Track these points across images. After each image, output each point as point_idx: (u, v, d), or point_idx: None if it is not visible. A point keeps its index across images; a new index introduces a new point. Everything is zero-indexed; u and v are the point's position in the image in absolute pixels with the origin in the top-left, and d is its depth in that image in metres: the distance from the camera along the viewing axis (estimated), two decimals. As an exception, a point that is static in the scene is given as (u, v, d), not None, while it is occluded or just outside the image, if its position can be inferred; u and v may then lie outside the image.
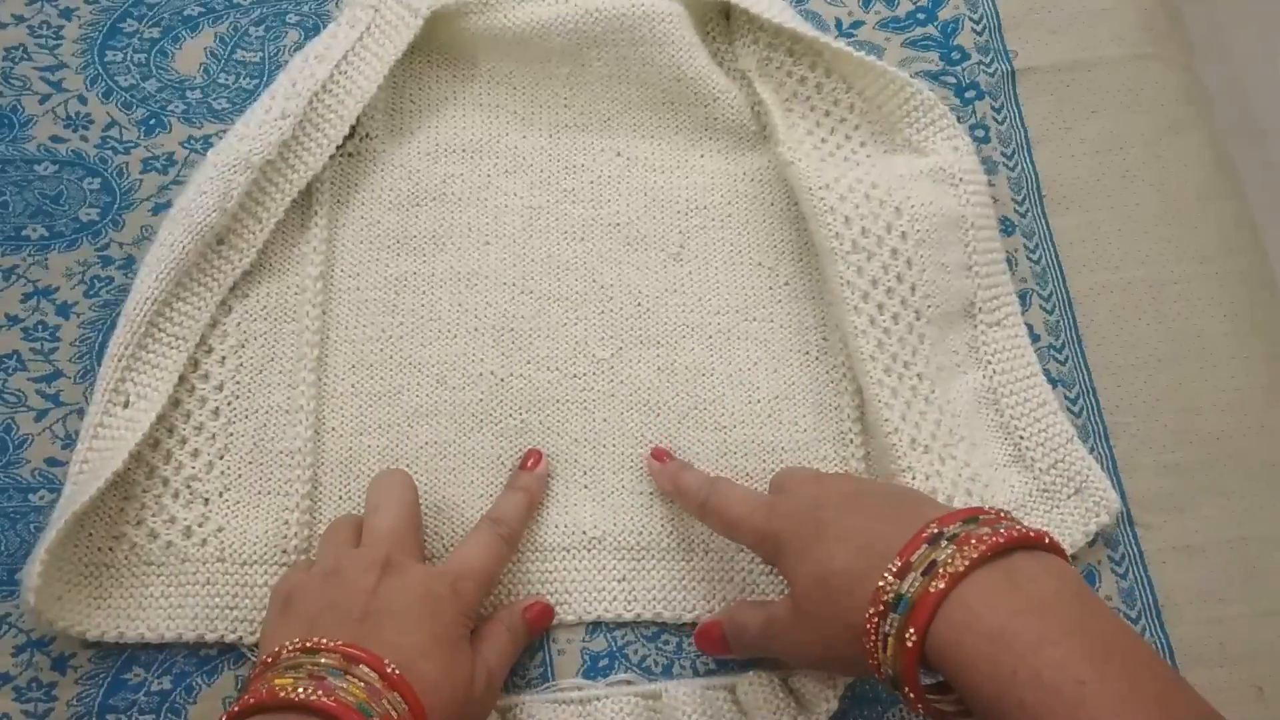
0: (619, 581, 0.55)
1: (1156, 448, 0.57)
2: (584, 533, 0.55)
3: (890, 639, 0.40)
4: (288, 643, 0.44)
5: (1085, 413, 0.57)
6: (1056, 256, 0.60)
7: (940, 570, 0.39)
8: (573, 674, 0.53)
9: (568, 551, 0.55)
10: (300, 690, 0.41)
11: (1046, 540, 0.41)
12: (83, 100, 0.63)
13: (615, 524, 0.56)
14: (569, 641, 0.54)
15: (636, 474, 0.56)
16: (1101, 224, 0.61)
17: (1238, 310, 0.59)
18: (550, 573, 0.55)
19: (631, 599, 0.54)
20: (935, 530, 0.41)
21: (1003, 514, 0.42)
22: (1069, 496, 0.55)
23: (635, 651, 0.54)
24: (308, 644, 0.44)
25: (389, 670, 0.43)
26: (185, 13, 0.65)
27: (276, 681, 0.42)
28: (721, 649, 0.51)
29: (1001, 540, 0.40)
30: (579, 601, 0.54)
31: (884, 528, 0.43)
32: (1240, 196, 0.63)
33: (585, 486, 0.56)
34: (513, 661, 0.52)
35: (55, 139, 0.62)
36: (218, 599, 0.53)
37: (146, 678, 0.53)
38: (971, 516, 0.42)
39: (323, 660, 0.43)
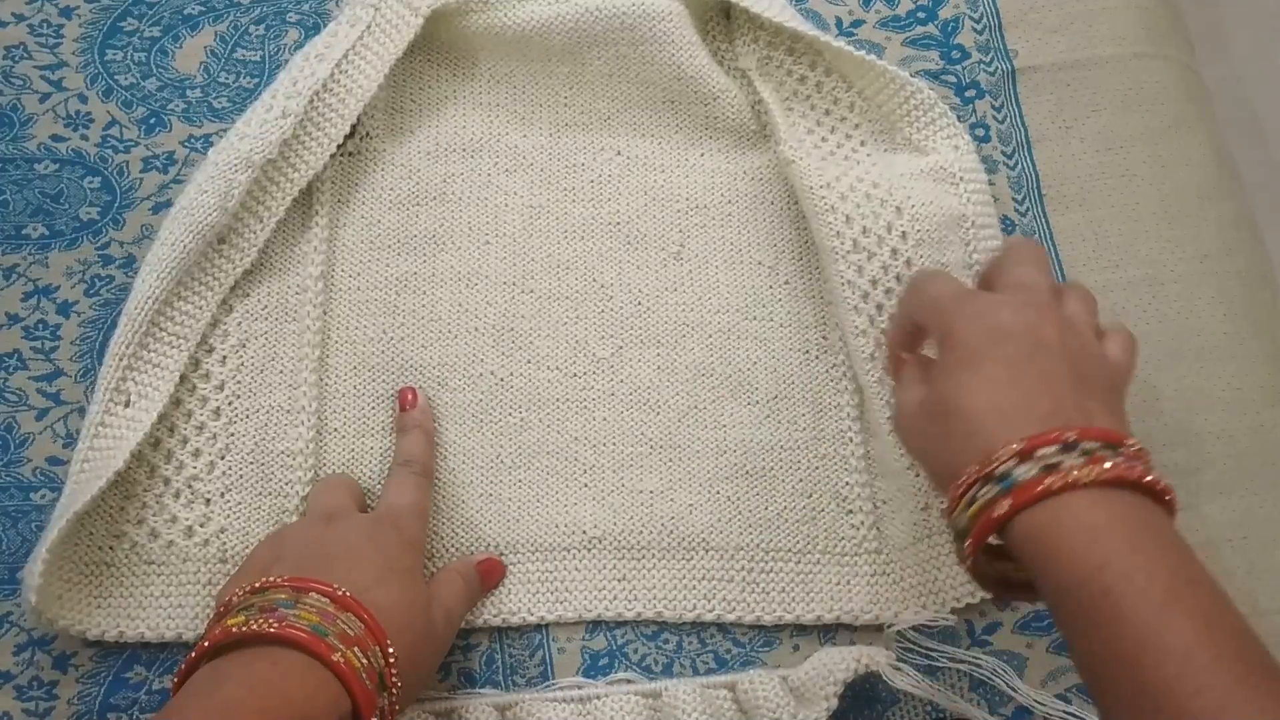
0: (619, 581, 0.55)
1: (1156, 446, 0.56)
2: (584, 532, 0.55)
3: (978, 501, 0.40)
4: (238, 589, 0.45)
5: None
6: (1057, 255, 0.60)
7: (1061, 472, 0.39)
8: (572, 673, 0.53)
9: (568, 551, 0.55)
10: (252, 624, 0.42)
11: (1168, 497, 0.40)
12: (83, 99, 0.63)
13: (615, 523, 0.56)
14: (569, 640, 0.54)
15: (637, 473, 0.56)
16: (1101, 223, 0.61)
17: (1237, 309, 0.59)
18: (550, 572, 0.55)
19: (631, 598, 0.54)
20: (1074, 437, 0.40)
21: (1144, 453, 0.41)
22: None
23: (635, 650, 0.54)
24: (256, 585, 0.44)
25: (340, 593, 0.44)
26: (185, 11, 0.65)
27: (228, 621, 0.43)
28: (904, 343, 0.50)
29: (1130, 477, 0.39)
30: (579, 600, 0.54)
31: (1042, 402, 0.41)
32: (1240, 195, 0.63)
33: (585, 485, 0.56)
34: (469, 606, 0.53)
35: (56, 138, 0.62)
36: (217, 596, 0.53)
37: (148, 677, 0.53)
38: (1114, 442, 0.40)
39: (272, 595, 0.43)
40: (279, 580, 0.45)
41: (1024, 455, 0.40)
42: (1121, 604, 0.36)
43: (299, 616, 0.42)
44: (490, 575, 0.54)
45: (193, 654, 0.43)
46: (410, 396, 0.56)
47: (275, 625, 0.42)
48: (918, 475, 0.55)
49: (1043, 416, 0.41)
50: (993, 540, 0.41)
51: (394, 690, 0.44)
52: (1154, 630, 0.36)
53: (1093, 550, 0.38)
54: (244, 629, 0.42)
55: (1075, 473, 0.39)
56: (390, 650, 0.44)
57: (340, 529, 0.49)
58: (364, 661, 0.42)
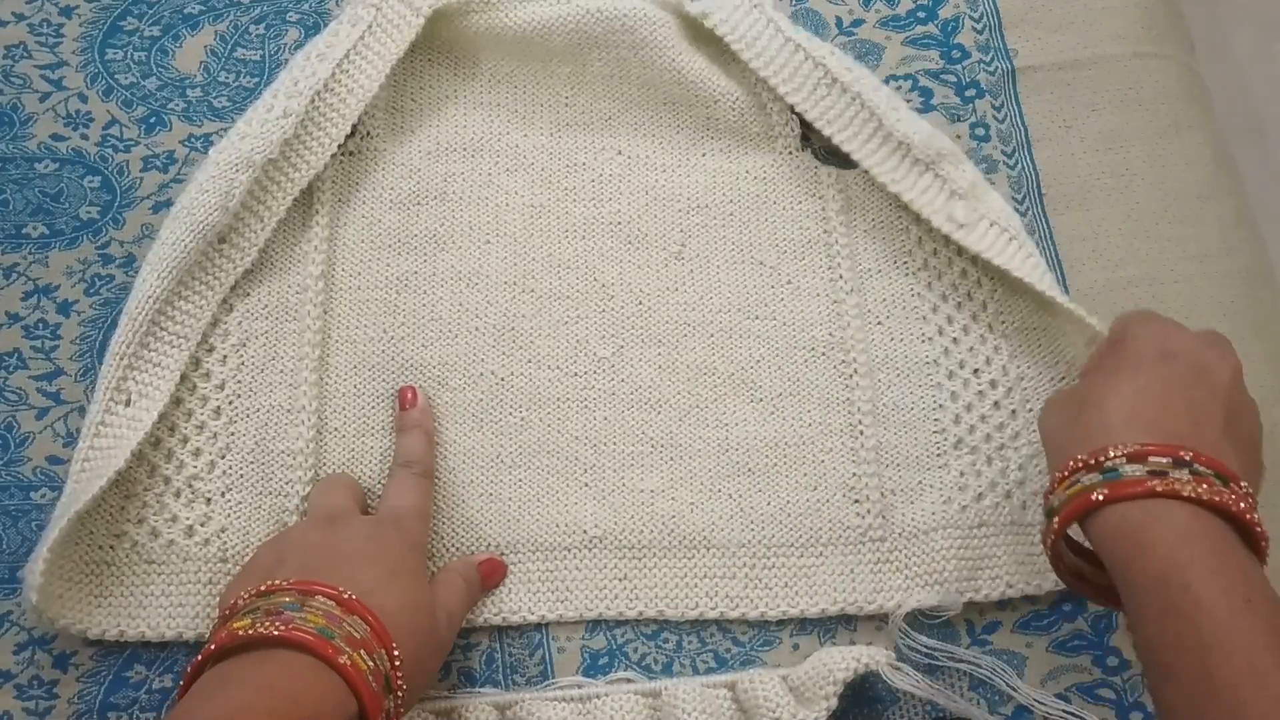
0: (619, 580, 0.55)
1: (1156, 446, 0.57)
2: (584, 531, 0.55)
3: (1078, 486, 0.42)
4: (243, 592, 0.45)
5: (1085, 411, 0.57)
6: (1057, 255, 0.60)
7: (1167, 480, 0.41)
8: (572, 672, 0.53)
9: (568, 550, 0.55)
10: (259, 627, 0.42)
11: (1262, 543, 0.42)
12: (83, 98, 0.63)
13: (616, 522, 0.56)
14: (569, 639, 0.54)
15: (637, 472, 0.57)
16: (1102, 222, 0.61)
17: (1238, 309, 0.59)
18: (551, 571, 0.55)
19: (632, 597, 0.54)
20: (1189, 457, 0.42)
21: (1251, 496, 0.43)
22: None
23: (635, 649, 0.54)
24: (261, 588, 0.45)
25: (345, 596, 0.44)
26: (186, 11, 0.65)
27: (234, 624, 0.43)
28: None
29: (1232, 510, 0.41)
30: (579, 599, 0.54)
31: (1174, 421, 0.43)
32: (1240, 195, 0.63)
33: (586, 485, 0.56)
34: (469, 607, 0.53)
35: (56, 137, 0.62)
36: (219, 598, 0.53)
37: (148, 676, 0.53)
38: (1226, 479, 0.42)
39: (277, 598, 0.43)
40: (284, 583, 0.45)
41: (1135, 457, 0.42)
42: (1201, 600, 0.38)
43: (305, 619, 0.42)
44: (491, 575, 0.54)
45: (199, 657, 0.43)
46: (410, 396, 0.56)
47: (282, 628, 0.42)
48: (949, 473, 0.56)
49: (1173, 435, 0.43)
50: (1083, 542, 0.44)
51: (399, 693, 0.44)
52: (1227, 629, 0.38)
53: (1181, 551, 0.40)
54: (250, 632, 0.42)
55: (1182, 486, 0.41)
56: (396, 653, 0.44)
57: (343, 532, 0.49)
58: (370, 664, 0.42)
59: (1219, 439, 0.44)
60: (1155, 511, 0.41)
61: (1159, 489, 0.41)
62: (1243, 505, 0.41)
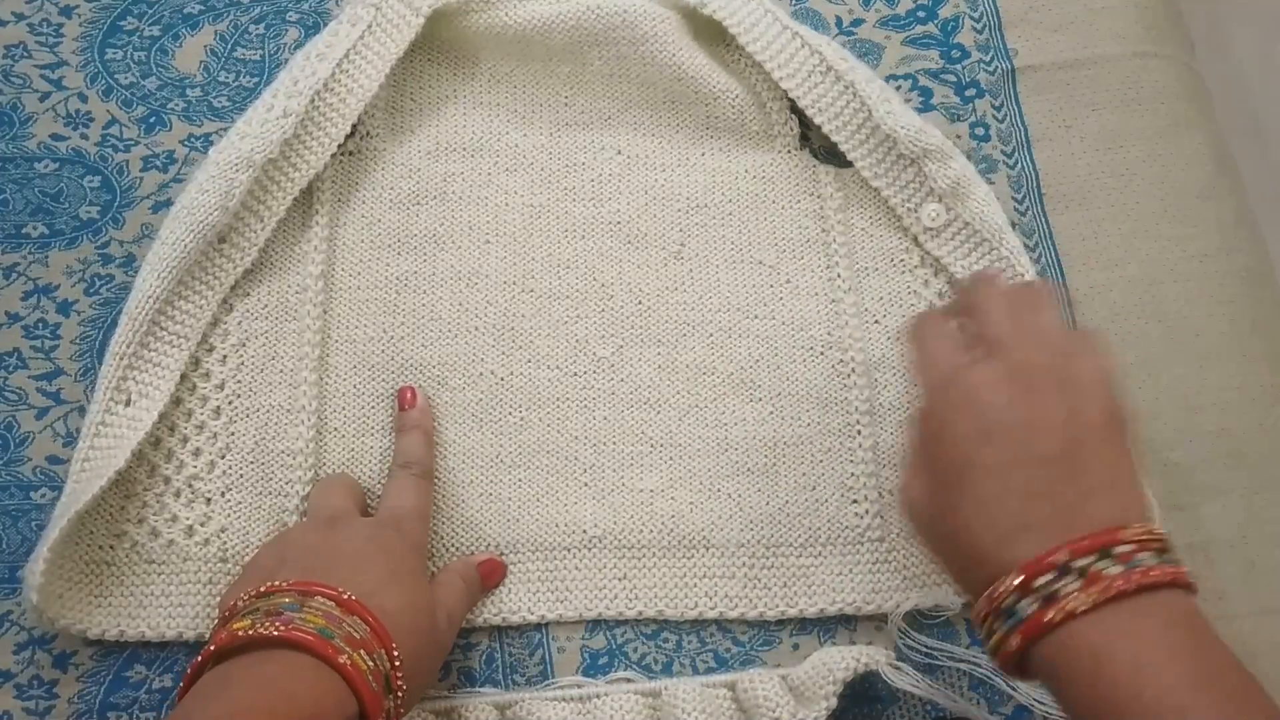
0: (619, 580, 0.55)
1: (1156, 446, 0.57)
2: (584, 531, 0.55)
3: (997, 635, 0.41)
4: (242, 594, 0.45)
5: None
6: (1056, 255, 0.60)
7: (1059, 604, 0.39)
8: (572, 672, 0.53)
9: (568, 550, 0.55)
10: (258, 628, 0.42)
11: (1178, 580, 0.40)
12: (83, 98, 0.63)
13: (615, 522, 0.56)
14: (569, 639, 0.54)
15: (637, 472, 0.57)
16: (1102, 222, 0.61)
17: (1238, 308, 0.59)
18: (550, 571, 0.55)
19: (632, 597, 0.54)
20: (1066, 559, 0.40)
21: (1145, 537, 0.41)
22: None
23: (635, 649, 0.54)
24: (261, 589, 0.45)
25: (345, 596, 0.44)
26: (185, 10, 0.65)
27: (234, 625, 0.43)
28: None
29: (1127, 588, 0.39)
30: (579, 599, 0.54)
31: (1028, 514, 0.41)
32: (1240, 194, 0.63)
33: (585, 484, 0.56)
34: (469, 607, 0.53)
35: (55, 137, 0.62)
36: (219, 598, 0.53)
37: (148, 675, 0.53)
38: (1108, 548, 0.40)
39: (277, 599, 0.44)
40: (284, 584, 0.45)
41: (1024, 589, 0.40)
42: None
43: (305, 620, 0.42)
44: (491, 576, 0.54)
45: (198, 658, 0.43)
46: (410, 395, 0.56)
47: (281, 628, 0.42)
48: None
49: (1034, 531, 0.41)
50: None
51: (399, 693, 0.44)
52: None
53: (1102, 674, 0.38)
54: (250, 632, 0.42)
55: (1072, 602, 0.39)
56: (395, 653, 0.44)
57: (343, 533, 0.49)
58: (370, 664, 0.42)
59: (1077, 491, 0.41)
60: (1064, 640, 0.39)
61: (1056, 619, 0.39)
62: (1136, 575, 0.39)
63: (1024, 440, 0.42)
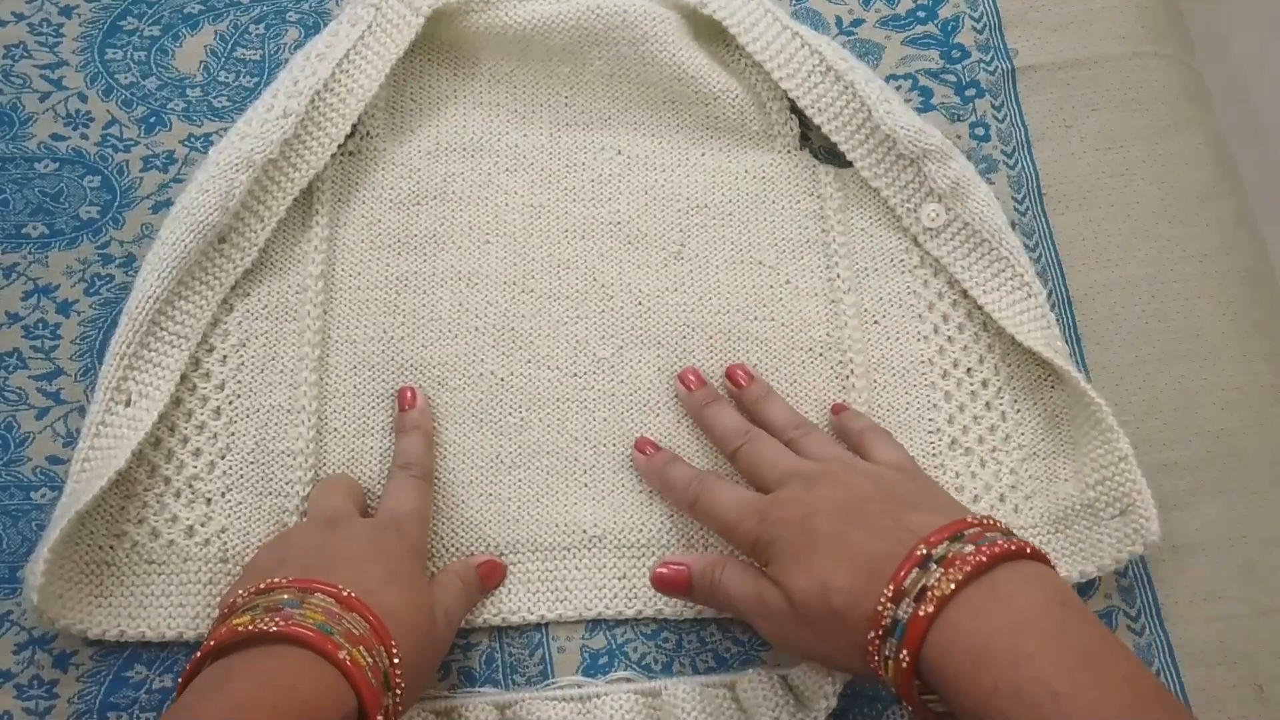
0: (619, 579, 0.55)
1: (1156, 446, 0.57)
2: (584, 531, 0.55)
3: (890, 662, 0.42)
4: (242, 590, 0.45)
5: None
6: (1056, 255, 0.60)
7: (929, 595, 0.41)
8: (572, 671, 0.53)
9: (568, 550, 0.55)
10: (258, 623, 0.42)
11: (1029, 550, 0.43)
12: (83, 98, 0.63)
13: (615, 522, 0.56)
14: (569, 639, 0.54)
15: (636, 472, 0.56)
16: (1101, 222, 0.61)
17: (1238, 308, 0.59)
18: (550, 571, 0.55)
19: (631, 596, 0.54)
20: (924, 552, 0.42)
21: (987, 521, 0.44)
22: (1112, 517, 0.53)
23: (635, 649, 0.54)
24: (261, 586, 0.45)
25: (345, 593, 0.44)
26: (185, 10, 0.65)
27: (234, 621, 0.43)
28: (680, 595, 0.51)
29: (984, 560, 0.41)
30: (579, 599, 0.54)
31: (878, 545, 0.44)
32: (1240, 194, 0.63)
33: (585, 485, 0.56)
34: (467, 608, 0.53)
35: (56, 137, 0.62)
36: (219, 598, 0.53)
37: (148, 675, 0.53)
38: (957, 533, 0.43)
39: (277, 596, 0.44)
40: (284, 581, 0.45)
41: (897, 596, 0.42)
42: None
43: (305, 616, 0.43)
44: (490, 577, 0.54)
45: (198, 654, 0.43)
46: (410, 396, 0.56)
47: (281, 623, 0.42)
48: (944, 474, 0.56)
49: (889, 555, 0.43)
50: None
51: (398, 690, 0.44)
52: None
53: (982, 675, 0.39)
54: (250, 628, 0.42)
55: (939, 588, 0.41)
56: (395, 651, 0.44)
57: (343, 534, 0.49)
58: (369, 660, 0.43)
59: (904, 518, 0.45)
60: (940, 638, 0.40)
61: (930, 611, 0.40)
62: (988, 549, 0.41)
63: (844, 506, 0.47)
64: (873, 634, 0.42)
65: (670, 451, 0.56)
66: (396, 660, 0.44)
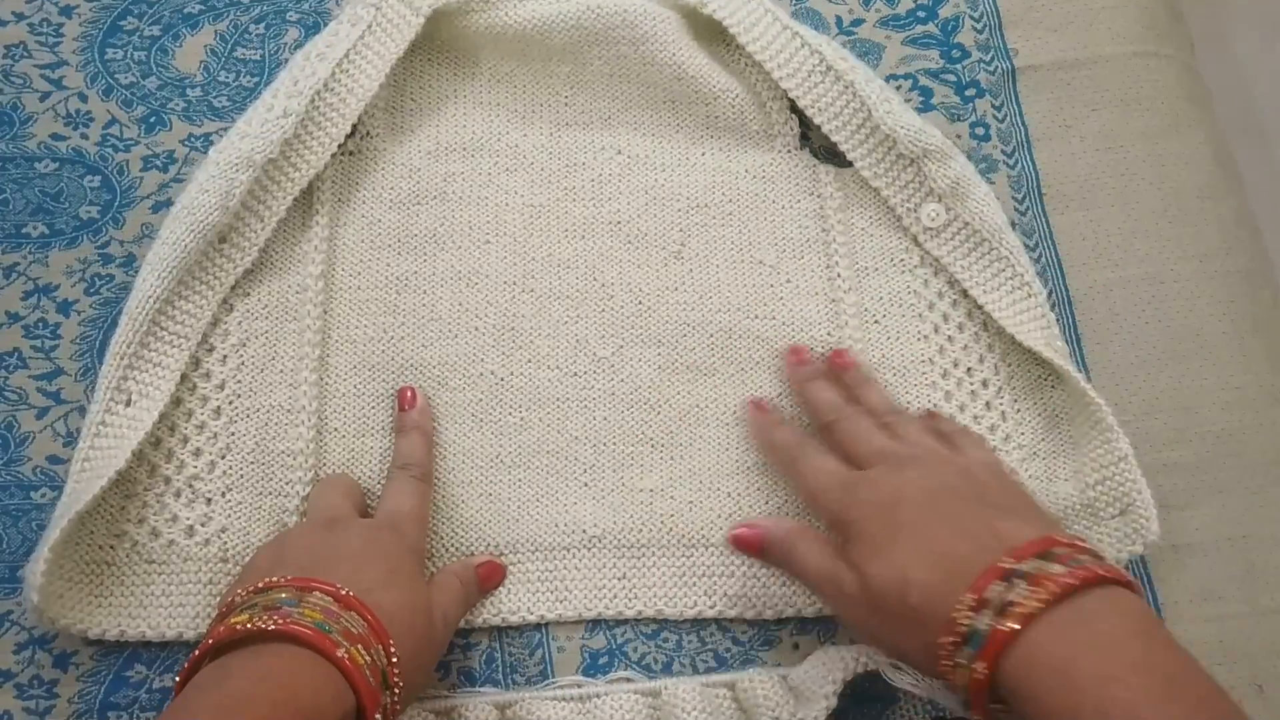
0: (619, 579, 0.55)
1: (1156, 446, 0.57)
2: (584, 531, 0.55)
3: (963, 669, 0.41)
4: (240, 589, 0.45)
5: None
6: (1056, 255, 0.60)
7: (1014, 610, 0.40)
8: (572, 671, 0.53)
9: (568, 550, 0.55)
10: (256, 621, 0.42)
11: (1119, 577, 0.42)
12: (83, 98, 0.63)
13: (615, 522, 0.56)
14: (569, 639, 0.54)
15: (637, 472, 0.57)
16: (1102, 222, 0.61)
17: (1238, 308, 0.59)
18: (550, 571, 0.55)
19: (632, 596, 0.54)
20: (1010, 565, 0.42)
21: (1078, 542, 0.43)
22: (1112, 516, 0.54)
23: (635, 649, 0.54)
24: (259, 585, 0.45)
25: (343, 592, 0.44)
26: (186, 10, 0.65)
27: (232, 620, 0.43)
28: (753, 554, 0.52)
29: (1074, 583, 0.41)
30: (579, 599, 0.54)
31: (962, 545, 0.43)
32: (1241, 194, 0.63)
33: (585, 484, 0.56)
34: (465, 609, 0.53)
35: (56, 136, 0.62)
36: (219, 598, 0.53)
37: (148, 675, 0.53)
38: (1046, 550, 0.42)
39: (275, 594, 0.44)
40: (282, 580, 0.45)
41: (978, 606, 0.41)
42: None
43: (303, 614, 0.43)
44: (489, 578, 0.54)
45: (196, 652, 0.43)
46: (410, 396, 0.56)
47: (279, 622, 0.42)
48: None
49: (973, 557, 0.43)
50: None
51: (396, 690, 0.44)
52: None
53: (1067, 695, 0.39)
54: (248, 626, 0.42)
55: (1026, 604, 0.40)
56: (393, 650, 0.44)
57: (342, 534, 0.49)
58: (367, 659, 0.43)
59: (993, 523, 0.44)
60: (1023, 654, 0.40)
61: (1016, 626, 0.40)
62: (1082, 572, 0.41)
63: (934, 495, 0.46)
64: (947, 638, 0.42)
65: (781, 414, 0.56)
66: (395, 659, 0.44)
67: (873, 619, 0.46)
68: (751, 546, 0.51)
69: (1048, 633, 0.40)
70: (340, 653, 0.42)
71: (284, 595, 0.44)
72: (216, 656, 0.43)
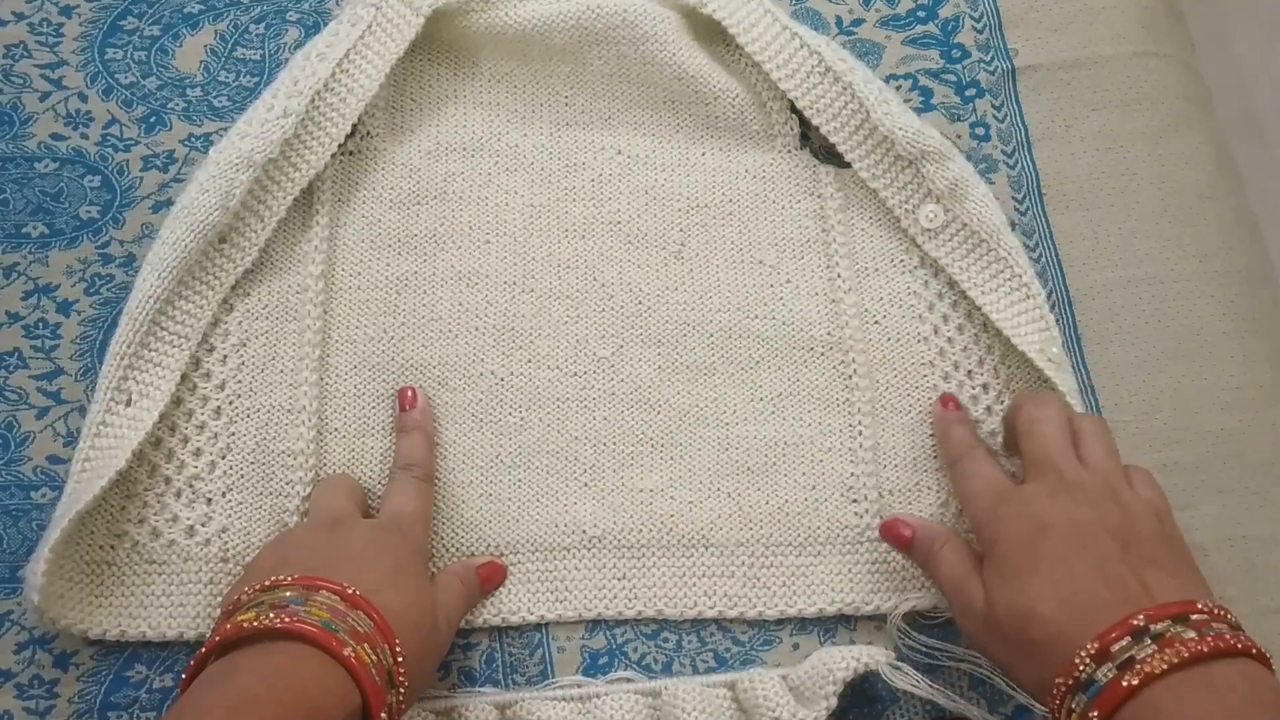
0: (619, 579, 0.55)
1: (1156, 446, 0.57)
2: (584, 531, 0.55)
3: (1075, 714, 0.41)
4: (246, 588, 0.45)
5: (1084, 411, 0.57)
6: (1056, 255, 0.60)
7: (1137, 668, 0.40)
8: (572, 671, 0.53)
9: (568, 550, 0.55)
10: (263, 620, 0.42)
11: (1254, 650, 0.41)
12: (83, 98, 0.63)
13: (615, 522, 0.56)
14: (569, 639, 0.54)
15: (637, 472, 0.57)
16: (1101, 222, 0.61)
17: (1238, 308, 0.59)
18: (550, 571, 0.55)
19: (632, 597, 0.54)
20: (1142, 623, 0.41)
21: (1219, 612, 0.42)
22: None
23: (635, 649, 0.54)
24: (266, 583, 0.45)
25: (350, 591, 0.44)
26: (186, 10, 0.65)
27: (239, 617, 0.43)
28: (901, 549, 0.53)
29: (1204, 651, 0.40)
30: (579, 599, 0.54)
31: (1100, 590, 0.43)
32: (1241, 194, 0.63)
33: (585, 484, 0.56)
34: (467, 609, 0.53)
35: (56, 136, 0.62)
36: (220, 598, 0.53)
37: (148, 675, 0.53)
38: (1183, 615, 0.41)
39: (281, 593, 0.44)
40: (288, 579, 0.45)
41: (1100, 657, 0.41)
42: None
43: (310, 613, 0.43)
44: (490, 579, 0.54)
45: (202, 650, 0.43)
46: (410, 396, 0.56)
47: (287, 620, 0.42)
48: (940, 469, 0.56)
49: (1107, 605, 0.42)
50: None
51: (401, 689, 0.44)
52: None
53: None
54: (255, 624, 0.42)
55: (1149, 664, 0.40)
56: (399, 649, 0.44)
57: (346, 535, 0.49)
58: (374, 658, 0.43)
59: (1141, 572, 0.43)
60: (1141, 712, 0.39)
61: (1134, 683, 0.39)
62: (1211, 640, 0.40)
63: (1082, 531, 0.45)
64: (1061, 681, 0.42)
65: (966, 414, 0.56)
66: (400, 658, 0.44)
67: (989, 638, 0.46)
68: (901, 541, 0.52)
69: (1170, 695, 0.39)
70: (347, 651, 0.42)
71: (290, 594, 0.44)
72: (223, 654, 0.43)
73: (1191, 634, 0.40)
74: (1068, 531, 0.45)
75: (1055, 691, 0.42)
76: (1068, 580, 0.43)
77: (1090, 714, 0.40)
